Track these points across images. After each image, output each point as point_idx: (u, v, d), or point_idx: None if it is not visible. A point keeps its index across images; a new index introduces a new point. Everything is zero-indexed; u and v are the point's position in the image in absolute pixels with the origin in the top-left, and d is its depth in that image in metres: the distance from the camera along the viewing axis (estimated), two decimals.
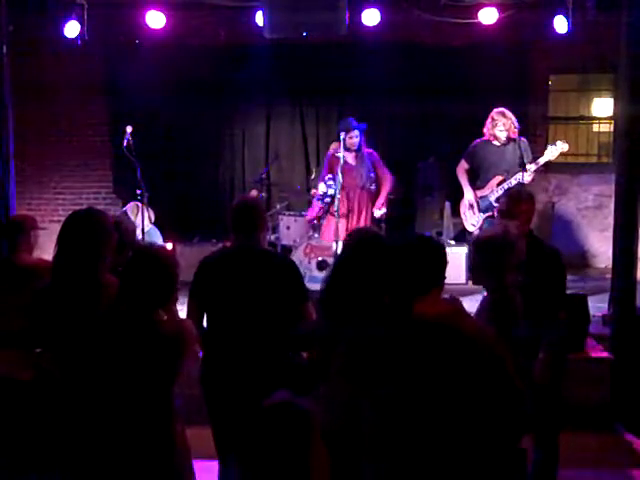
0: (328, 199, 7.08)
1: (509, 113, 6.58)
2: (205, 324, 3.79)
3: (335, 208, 6.87)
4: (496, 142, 6.64)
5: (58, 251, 3.30)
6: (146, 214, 6.24)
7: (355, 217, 7.09)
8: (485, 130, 6.67)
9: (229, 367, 3.65)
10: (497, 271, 3.38)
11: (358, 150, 7.08)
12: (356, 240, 3.17)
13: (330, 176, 7.05)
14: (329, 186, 7.02)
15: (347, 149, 7.02)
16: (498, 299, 3.38)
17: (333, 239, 6.87)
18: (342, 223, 6.92)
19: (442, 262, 2.56)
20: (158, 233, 6.41)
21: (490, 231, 3.73)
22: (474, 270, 3.63)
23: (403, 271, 2.50)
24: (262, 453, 2.15)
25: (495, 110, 6.61)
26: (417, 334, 2.43)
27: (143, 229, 6.16)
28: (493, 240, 3.45)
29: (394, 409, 2.40)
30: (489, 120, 6.62)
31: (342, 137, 6.90)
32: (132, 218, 6.28)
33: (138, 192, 6.41)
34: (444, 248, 2.64)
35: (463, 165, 6.88)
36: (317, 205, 7.29)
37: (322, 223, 7.38)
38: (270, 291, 3.64)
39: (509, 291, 3.40)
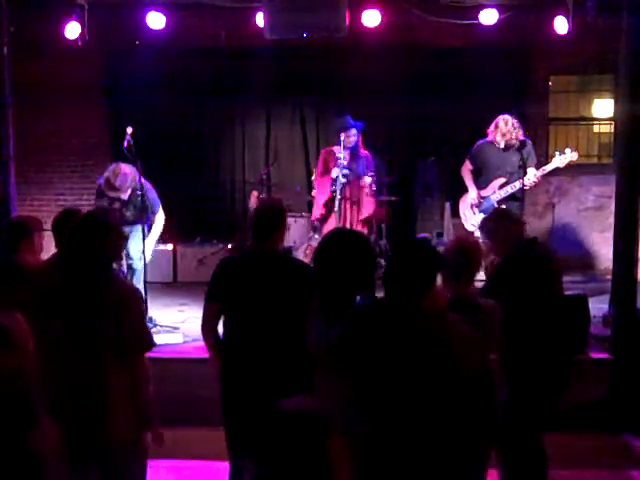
0: (338, 187, 6.99)
1: (513, 121, 6.58)
2: (223, 326, 3.81)
3: (336, 207, 6.91)
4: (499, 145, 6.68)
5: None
6: (132, 172, 6.33)
7: (349, 215, 7.10)
8: (489, 132, 6.70)
9: (248, 369, 3.66)
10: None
11: (354, 149, 7.05)
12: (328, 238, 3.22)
13: (345, 164, 6.97)
14: (344, 175, 6.96)
15: (344, 147, 6.99)
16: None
17: None
18: (338, 220, 6.95)
19: (435, 266, 2.64)
20: (151, 188, 6.58)
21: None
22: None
23: (403, 273, 2.55)
24: (284, 462, 2.13)
25: (502, 116, 6.63)
26: (416, 328, 2.47)
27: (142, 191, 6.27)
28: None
29: (385, 401, 2.43)
30: (493, 125, 6.65)
31: (342, 138, 6.92)
32: (112, 179, 6.35)
33: (138, 193, 6.42)
34: (436, 252, 2.72)
35: (467, 166, 6.91)
36: (323, 199, 7.19)
37: (324, 221, 7.35)
38: (288, 296, 3.64)
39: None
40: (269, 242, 3.76)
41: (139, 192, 6.29)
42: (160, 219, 6.62)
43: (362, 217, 7.15)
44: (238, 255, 4.09)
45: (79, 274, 3.21)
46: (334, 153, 7.08)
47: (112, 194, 6.41)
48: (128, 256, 6.54)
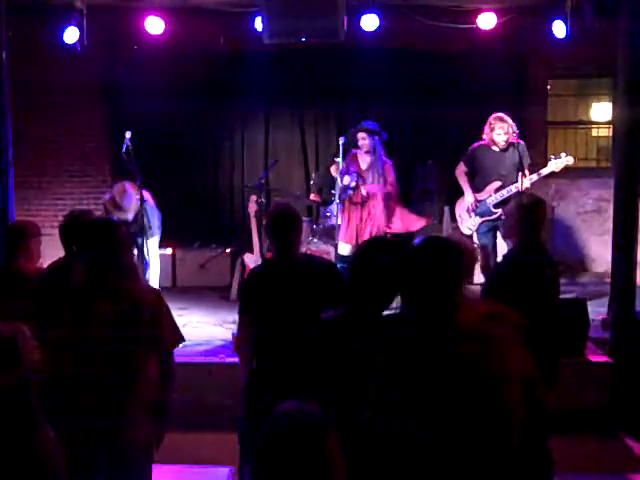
0: (350, 191, 7.15)
1: (507, 118, 6.59)
2: (256, 337, 3.77)
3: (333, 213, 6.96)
4: (495, 147, 6.66)
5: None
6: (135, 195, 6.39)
7: (366, 221, 7.14)
8: (484, 135, 6.70)
9: (280, 378, 3.62)
10: None
11: (373, 153, 7.12)
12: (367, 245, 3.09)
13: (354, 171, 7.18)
14: (352, 178, 7.11)
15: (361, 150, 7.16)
16: None
17: (353, 241, 7.06)
18: (355, 225, 7.14)
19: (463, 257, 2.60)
20: (155, 211, 6.63)
21: None
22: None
23: (437, 272, 2.49)
24: (280, 468, 2.13)
25: (493, 115, 6.63)
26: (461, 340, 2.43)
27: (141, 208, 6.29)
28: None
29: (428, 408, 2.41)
30: (487, 125, 6.64)
31: (341, 142, 6.94)
32: (118, 200, 6.40)
33: (137, 197, 6.42)
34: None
35: (462, 168, 6.90)
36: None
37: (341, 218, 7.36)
38: (320, 299, 3.56)
39: None
40: (291, 248, 3.75)
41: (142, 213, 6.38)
42: (154, 245, 6.67)
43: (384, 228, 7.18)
44: (265, 265, 4.04)
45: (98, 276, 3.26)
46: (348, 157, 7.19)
47: (118, 214, 6.38)
48: (145, 248, 6.53)
